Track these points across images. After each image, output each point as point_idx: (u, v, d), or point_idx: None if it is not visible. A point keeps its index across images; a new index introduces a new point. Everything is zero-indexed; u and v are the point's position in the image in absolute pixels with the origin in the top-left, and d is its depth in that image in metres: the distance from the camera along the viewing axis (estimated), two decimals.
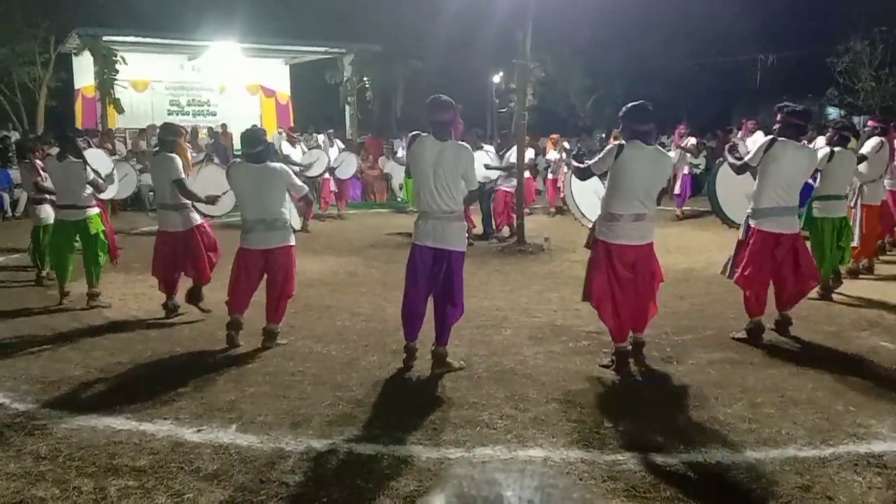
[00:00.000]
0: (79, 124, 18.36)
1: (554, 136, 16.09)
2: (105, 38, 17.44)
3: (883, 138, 7.97)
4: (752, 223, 5.65)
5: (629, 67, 27.44)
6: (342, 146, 15.81)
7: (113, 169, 7.90)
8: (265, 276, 5.68)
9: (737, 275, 5.69)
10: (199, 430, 4.07)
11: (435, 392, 4.65)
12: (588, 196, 5.67)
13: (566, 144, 15.55)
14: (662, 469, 3.55)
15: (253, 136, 5.66)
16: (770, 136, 5.66)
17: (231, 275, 5.68)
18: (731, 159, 5.94)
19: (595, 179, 5.42)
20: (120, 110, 17.66)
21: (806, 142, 6.70)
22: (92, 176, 6.93)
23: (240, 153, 6.58)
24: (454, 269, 4.96)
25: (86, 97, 18.89)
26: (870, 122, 8.66)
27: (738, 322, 6.08)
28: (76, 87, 19.64)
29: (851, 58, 19.27)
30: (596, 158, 5.16)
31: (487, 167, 11.13)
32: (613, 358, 5.06)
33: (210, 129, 18.39)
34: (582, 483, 3.41)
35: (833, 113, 22.35)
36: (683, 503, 3.25)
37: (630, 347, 5.11)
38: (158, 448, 3.84)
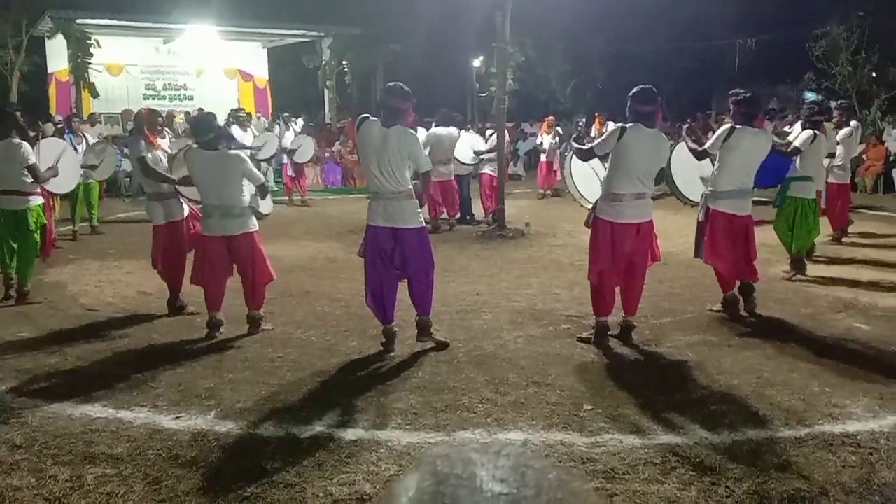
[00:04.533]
0: (52, 109, 18.06)
1: (550, 118, 15.84)
2: (78, 21, 17.12)
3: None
4: (710, 205, 5.84)
5: (609, 51, 27.41)
6: (298, 129, 15.56)
7: (57, 161, 7.04)
8: (234, 264, 5.57)
9: (706, 254, 5.91)
10: (177, 417, 4.04)
11: (415, 376, 4.65)
12: (586, 177, 5.77)
13: (559, 129, 15.43)
14: (641, 451, 3.58)
15: (203, 123, 5.53)
16: (729, 125, 5.88)
17: (195, 263, 5.56)
18: (690, 144, 6.13)
19: (594, 161, 5.55)
20: (95, 95, 17.38)
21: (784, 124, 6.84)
22: (32, 160, 6.40)
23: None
24: (410, 246, 5.04)
25: (59, 81, 18.57)
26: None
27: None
28: (49, 71, 19.30)
29: (828, 42, 19.37)
30: (598, 140, 5.38)
31: (477, 153, 11.13)
32: (592, 331, 5.25)
33: (187, 113, 18.16)
34: (561, 465, 3.43)
35: (811, 97, 22.49)
36: (661, 484, 3.28)
37: (608, 322, 5.28)
38: (136, 435, 3.81)
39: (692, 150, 6.03)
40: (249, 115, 17.50)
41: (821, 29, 19.49)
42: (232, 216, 5.41)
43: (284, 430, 3.86)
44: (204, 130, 5.46)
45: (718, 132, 5.88)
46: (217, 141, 5.48)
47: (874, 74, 19.58)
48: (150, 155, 6.10)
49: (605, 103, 21.33)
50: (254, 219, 5.56)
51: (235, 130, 13.10)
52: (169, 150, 6.54)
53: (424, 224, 5.21)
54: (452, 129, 10.60)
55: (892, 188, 14.81)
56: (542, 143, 15.23)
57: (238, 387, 4.49)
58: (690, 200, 6.29)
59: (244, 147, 12.44)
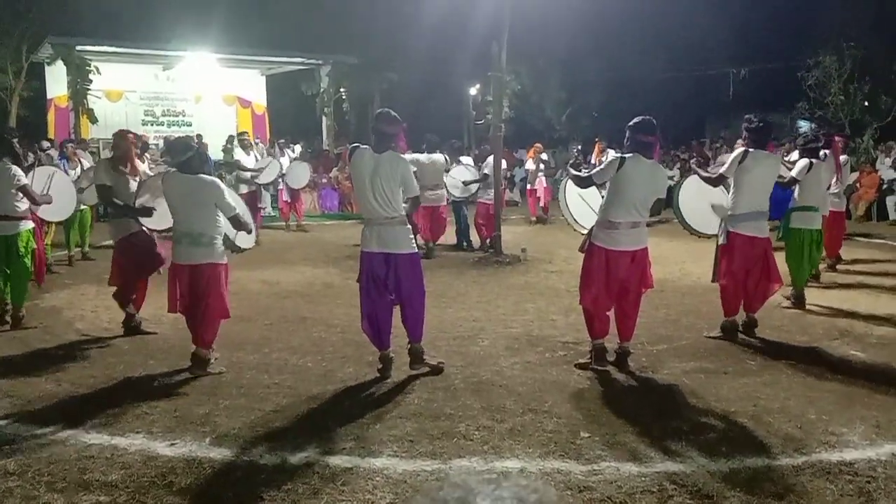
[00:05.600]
0: (51, 134, 18.13)
1: (537, 145, 15.98)
2: (78, 48, 17.26)
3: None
4: (730, 228, 5.95)
5: (604, 79, 27.68)
6: (293, 155, 15.64)
7: (47, 187, 7.12)
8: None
9: (720, 274, 6.01)
10: (172, 444, 4.01)
11: (411, 403, 4.63)
12: (582, 203, 5.86)
13: (543, 156, 15.58)
14: (638, 479, 3.56)
15: (180, 143, 5.43)
16: (742, 149, 6.02)
17: (168, 293, 5.37)
18: (703, 173, 6.30)
19: (591, 188, 5.62)
20: (93, 120, 17.47)
21: (781, 151, 6.96)
22: (24, 181, 6.42)
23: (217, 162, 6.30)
24: (403, 271, 5.08)
25: (58, 107, 18.66)
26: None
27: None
28: (49, 96, 19.39)
29: (821, 72, 19.61)
30: (597, 169, 5.49)
31: (466, 183, 11.15)
32: (590, 356, 5.29)
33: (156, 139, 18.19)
34: (558, 493, 3.42)
35: (804, 126, 22.69)
36: None
37: (604, 344, 5.32)
38: (130, 462, 3.78)
39: (706, 179, 6.16)
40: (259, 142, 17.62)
41: (813, 59, 19.75)
42: (199, 244, 5.24)
43: (280, 458, 3.83)
44: (181, 150, 5.32)
45: (733, 156, 6.02)
46: (198, 163, 5.33)
47: (866, 103, 19.80)
48: (111, 183, 6.22)
49: (600, 131, 21.49)
50: (221, 250, 5.37)
51: (239, 153, 13.10)
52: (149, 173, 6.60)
53: (417, 250, 5.25)
54: (436, 157, 10.64)
55: (885, 215, 14.90)
56: (526, 169, 15.43)
57: (233, 413, 4.47)
58: (704, 234, 6.39)
59: (246, 169, 12.47)
